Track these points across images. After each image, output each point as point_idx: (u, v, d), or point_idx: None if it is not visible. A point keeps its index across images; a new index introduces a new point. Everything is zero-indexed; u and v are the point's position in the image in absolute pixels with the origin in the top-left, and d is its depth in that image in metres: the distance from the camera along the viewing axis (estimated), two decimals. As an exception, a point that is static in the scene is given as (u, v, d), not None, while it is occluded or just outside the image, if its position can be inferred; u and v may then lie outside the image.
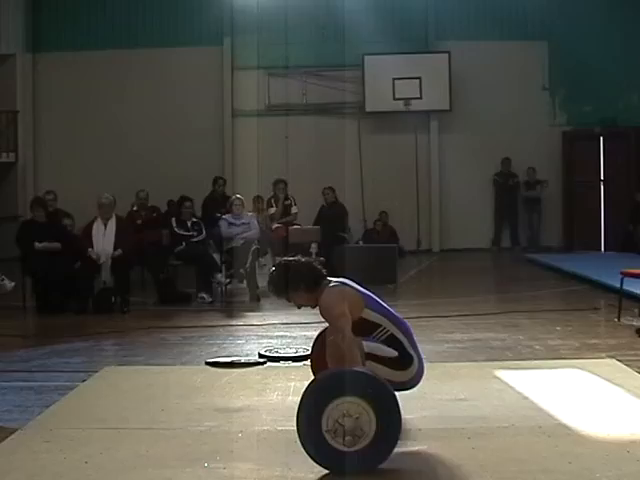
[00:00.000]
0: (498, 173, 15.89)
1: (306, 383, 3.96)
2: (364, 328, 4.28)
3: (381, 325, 4.32)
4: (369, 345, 4.24)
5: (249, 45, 15.70)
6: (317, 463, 3.76)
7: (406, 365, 4.31)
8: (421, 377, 4.42)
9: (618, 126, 15.47)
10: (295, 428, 3.76)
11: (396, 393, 3.85)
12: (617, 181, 15.59)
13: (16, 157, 15.77)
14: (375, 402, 3.75)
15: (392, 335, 4.31)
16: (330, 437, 3.74)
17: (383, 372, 4.15)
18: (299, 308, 4.61)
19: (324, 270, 4.52)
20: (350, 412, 3.74)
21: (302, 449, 3.76)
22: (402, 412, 3.81)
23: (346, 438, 3.73)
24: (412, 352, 4.34)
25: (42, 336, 7.76)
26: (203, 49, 16.06)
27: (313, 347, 4.83)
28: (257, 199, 12.49)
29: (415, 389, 4.44)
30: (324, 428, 3.73)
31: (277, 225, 11.92)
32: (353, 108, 15.81)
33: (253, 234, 10.26)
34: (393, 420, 3.77)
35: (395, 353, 4.28)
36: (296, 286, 4.42)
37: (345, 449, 3.73)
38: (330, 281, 4.43)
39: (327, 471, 3.74)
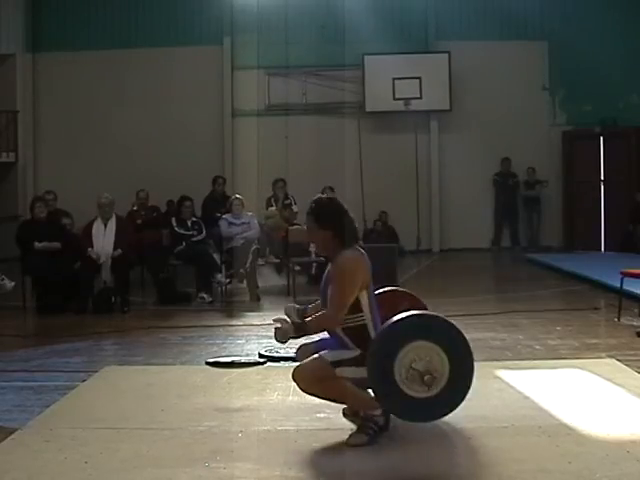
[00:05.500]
0: (498, 173, 15.90)
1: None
2: (350, 306, 4.14)
3: (363, 312, 4.17)
4: (332, 354, 4.11)
5: (249, 45, 15.73)
6: (396, 415, 3.96)
7: None
8: None
9: (618, 126, 15.47)
10: (294, 427, 3.76)
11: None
12: (617, 181, 15.58)
13: (16, 157, 15.78)
14: (442, 342, 3.90)
15: (364, 326, 4.16)
16: (406, 386, 3.87)
17: (356, 372, 4.05)
18: (306, 246, 4.51)
19: (359, 240, 4.38)
20: (420, 356, 3.87)
21: (304, 446, 3.75)
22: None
23: (425, 377, 3.86)
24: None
25: (42, 336, 7.74)
26: (203, 49, 16.07)
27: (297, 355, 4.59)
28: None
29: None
30: (397, 378, 3.84)
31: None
32: (353, 108, 15.82)
33: (253, 234, 10.27)
34: (465, 357, 3.93)
35: (357, 351, 4.11)
36: (332, 224, 4.21)
37: (423, 394, 3.87)
38: (356, 248, 4.26)
39: (327, 470, 3.74)
